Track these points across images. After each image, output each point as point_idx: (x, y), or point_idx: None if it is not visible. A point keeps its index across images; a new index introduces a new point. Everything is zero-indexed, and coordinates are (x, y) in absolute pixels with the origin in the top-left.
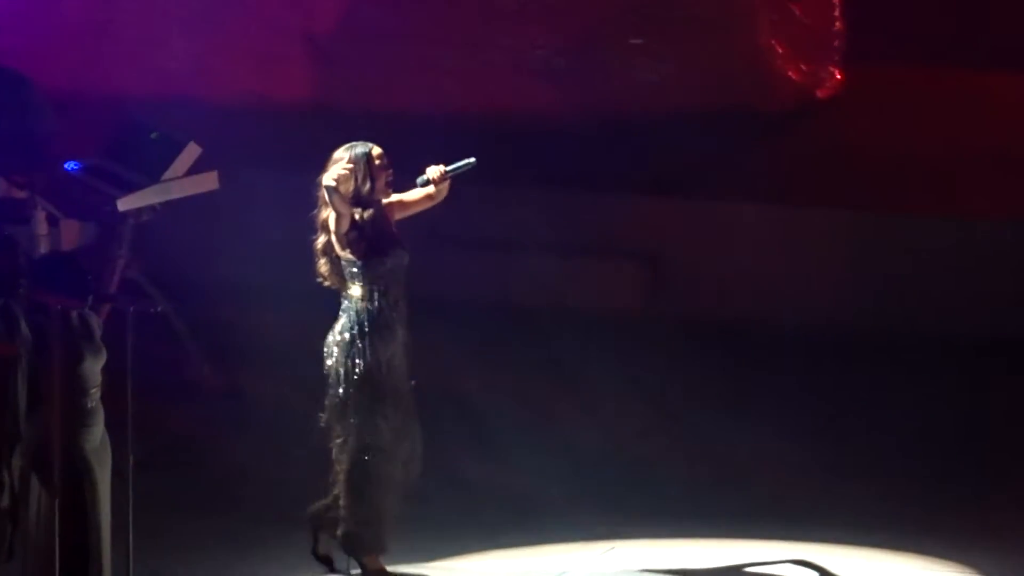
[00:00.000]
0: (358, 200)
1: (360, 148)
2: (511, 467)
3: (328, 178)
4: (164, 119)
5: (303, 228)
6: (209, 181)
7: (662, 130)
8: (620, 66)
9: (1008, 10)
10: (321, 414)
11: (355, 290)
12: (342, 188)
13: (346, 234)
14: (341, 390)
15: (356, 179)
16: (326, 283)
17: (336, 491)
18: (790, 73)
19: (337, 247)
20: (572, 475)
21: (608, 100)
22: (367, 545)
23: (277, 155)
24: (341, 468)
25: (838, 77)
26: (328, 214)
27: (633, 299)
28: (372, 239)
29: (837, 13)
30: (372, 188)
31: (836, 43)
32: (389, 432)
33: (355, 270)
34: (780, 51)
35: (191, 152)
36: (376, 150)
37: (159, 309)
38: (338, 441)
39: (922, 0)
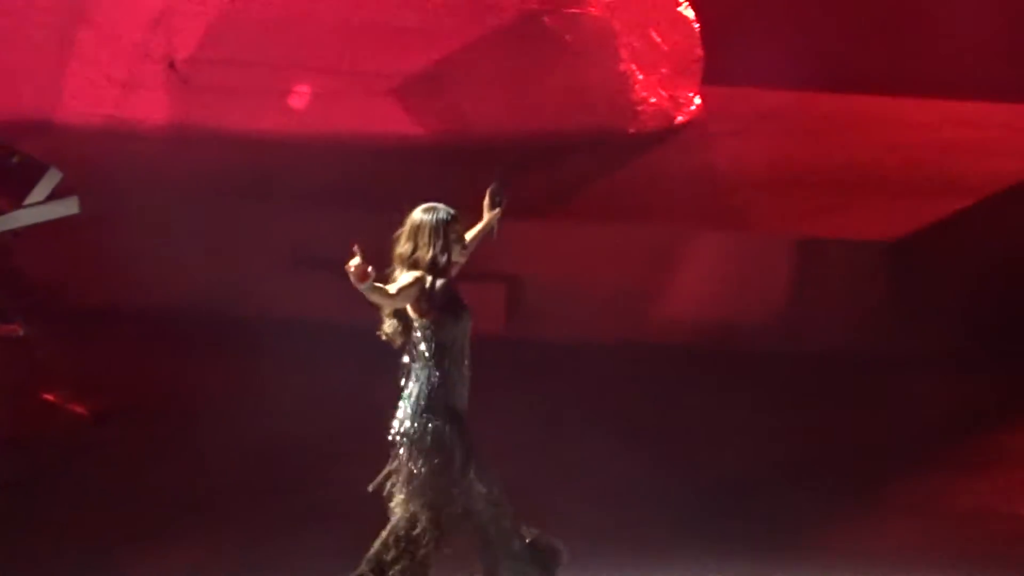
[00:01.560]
0: (433, 268)
1: (442, 214)
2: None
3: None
4: (25, 143)
5: (168, 247)
6: (70, 206)
7: (521, 153)
8: (478, 90)
9: (865, 34)
10: (391, 480)
11: (424, 351)
12: (419, 255)
13: (417, 303)
14: (406, 456)
15: (435, 248)
16: (389, 341)
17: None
18: (650, 98)
19: (409, 309)
20: None
21: (466, 124)
22: None
23: (139, 179)
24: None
25: (698, 101)
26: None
27: (492, 322)
28: (440, 306)
29: (697, 39)
30: (448, 257)
31: (696, 68)
32: (460, 488)
33: (427, 332)
34: (640, 76)
35: (52, 177)
36: (456, 216)
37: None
38: (406, 508)
39: (782, 26)
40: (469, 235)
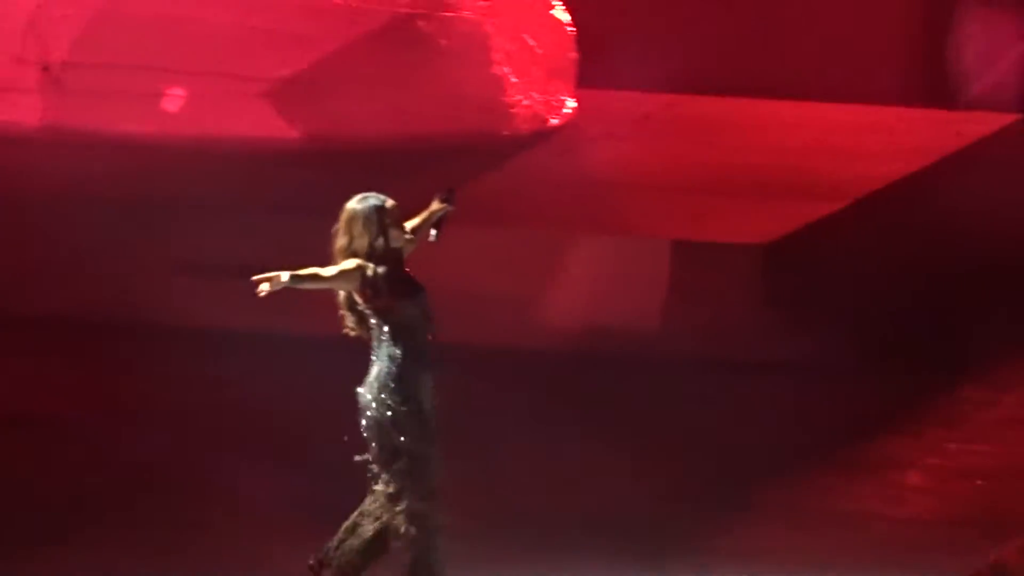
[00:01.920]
0: (371, 256)
1: (372, 201)
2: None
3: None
4: None
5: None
6: None
7: (394, 157)
8: (352, 94)
9: (739, 37)
10: (370, 466)
11: (383, 339)
12: (356, 245)
13: (363, 291)
14: (387, 436)
15: (369, 234)
16: (354, 334)
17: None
18: (524, 101)
19: (359, 299)
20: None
21: (340, 128)
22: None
23: (16, 185)
24: (373, 512)
25: (572, 104)
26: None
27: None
28: (391, 289)
29: (572, 42)
30: (386, 243)
31: (570, 71)
32: (438, 463)
33: (380, 319)
34: (514, 80)
35: None
36: (389, 203)
37: None
38: (387, 490)
39: (656, 29)
40: (411, 224)
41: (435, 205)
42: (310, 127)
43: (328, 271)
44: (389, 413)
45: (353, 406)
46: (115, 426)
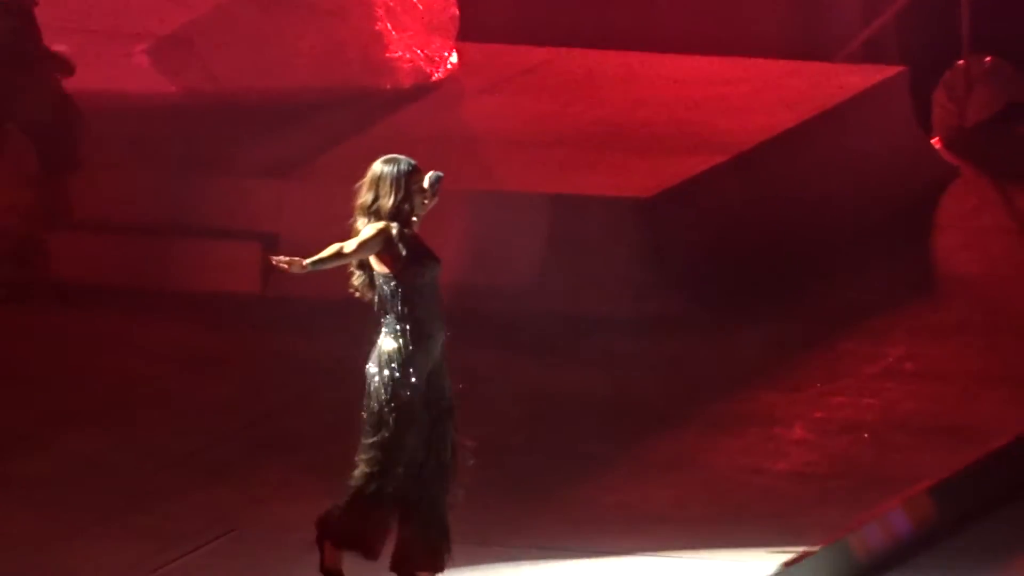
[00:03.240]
0: (396, 217)
1: (403, 165)
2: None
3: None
4: None
5: None
6: None
7: (273, 111)
8: (230, 50)
9: None
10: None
11: (394, 304)
12: (380, 205)
13: (383, 254)
14: (380, 403)
15: (396, 197)
16: (359, 295)
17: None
18: (405, 55)
19: (374, 261)
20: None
21: (218, 83)
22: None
23: None
24: (357, 474)
25: (454, 59)
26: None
27: (250, 281)
28: (408, 253)
29: None
30: (411, 207)
31: (451, 26)
32: (415, 449)
33: (393, 284)
34: (395, 35)
35: None
36: (415, 167)
37: None
38: (366, 453)
39: None
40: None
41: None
42: (186, 82)
43: (350, 245)
44: (389, 381)
45: None
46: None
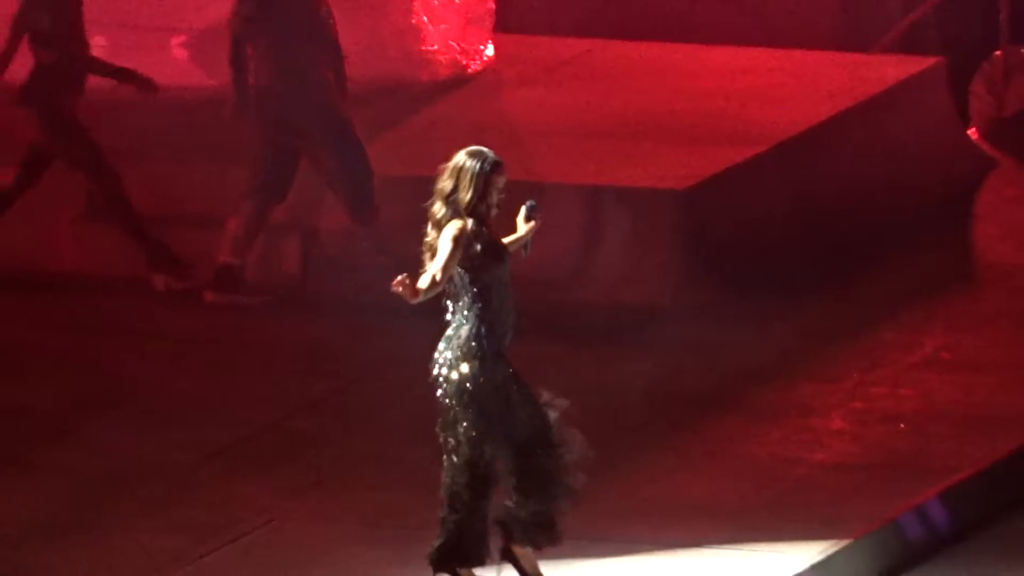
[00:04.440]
0: (472, 213)
1: (487, 164)
2: None
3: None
4: None
5: None
6: None
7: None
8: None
9: None
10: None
11: (467, 298)
12: (459, 196)
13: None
14: (449, 401)
15: (474, 192)
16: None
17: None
18: (442, 48)
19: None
20: None
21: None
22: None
23: None
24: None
25: (491, 52)
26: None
27: (290, 274)
28: (482, 248)
29: None
30: (487, 206)
31: (488, 18)
32: (491, 452)
33: (468, 279)
34: (432, 28)
35: None
36: (498, 166)
37: None
38: (450, 451)
39: None
40: (507, 240)
41: (522, 225)
42: (226, 76)
43: (445, 251)
44: (454, 376)
45: None
46: None
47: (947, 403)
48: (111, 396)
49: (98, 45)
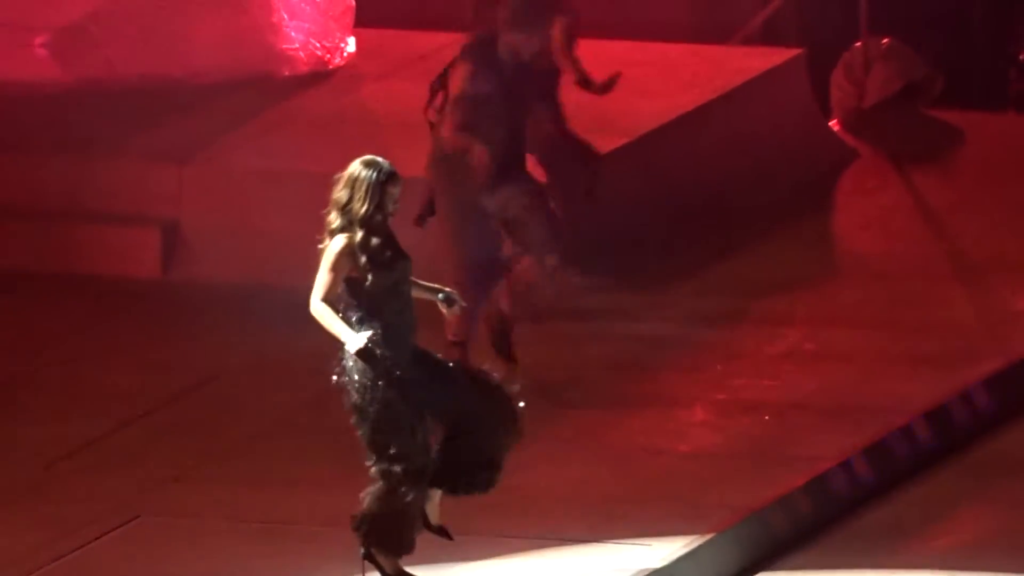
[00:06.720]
0: (366, 223)
1: (382, 174)
2: None
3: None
4: None
5: None
6: None
7: (167, 96)
8: (128, 41)
9: None
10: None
11: (360, 308)
12: (353, 206)
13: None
14: (355, 403)
15: (369, 204)
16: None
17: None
18: (304, 44)
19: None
20: None
21: (115, 73)
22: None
23: None
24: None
25: (351, 48)
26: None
27: (147, 267)
28: (369, 259)
29: None
30: (383, 217)
31: (348, 16)
32: (418, 447)
33: (357, 286)
34: (292, 24)
35: None
36: (393, 176)
37: None
38: (373, 462)
39: None
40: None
41: (439, 300)
42: (83, 72)
43: (328, 266)
44: (362, 383)
45: None
46: None
47: (809, 393)
48: None
49: None
